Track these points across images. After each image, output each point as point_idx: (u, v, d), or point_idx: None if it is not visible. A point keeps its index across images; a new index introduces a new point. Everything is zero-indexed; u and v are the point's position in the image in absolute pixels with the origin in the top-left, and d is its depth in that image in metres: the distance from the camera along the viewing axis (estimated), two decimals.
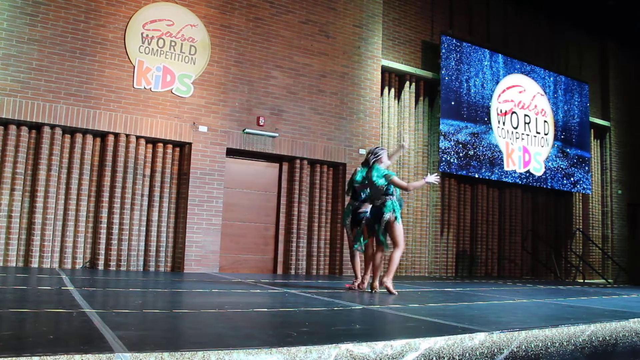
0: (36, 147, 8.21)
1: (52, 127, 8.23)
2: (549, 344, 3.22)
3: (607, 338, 3.55)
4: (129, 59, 8.77)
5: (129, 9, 8.86)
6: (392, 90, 11.88)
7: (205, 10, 9.44)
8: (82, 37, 8.47)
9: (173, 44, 9.10)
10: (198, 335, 2.89)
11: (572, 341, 3.34)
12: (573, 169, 14.38)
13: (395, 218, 6.01)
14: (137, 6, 8.92)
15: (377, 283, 6.14)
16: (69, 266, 8.22)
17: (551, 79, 14.27)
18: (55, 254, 8.20)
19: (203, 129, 9.17)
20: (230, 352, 2.30)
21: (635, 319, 3.92)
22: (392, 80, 11.93)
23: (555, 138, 14.11)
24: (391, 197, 6.08)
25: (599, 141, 16.00)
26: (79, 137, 8.47)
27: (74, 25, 8.42)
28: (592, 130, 15.49)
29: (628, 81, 16.42)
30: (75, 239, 8.34)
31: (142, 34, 8.89)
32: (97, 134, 8.61)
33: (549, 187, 13.84)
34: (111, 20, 8.72)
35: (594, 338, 3.46)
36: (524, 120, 13.46)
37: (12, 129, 8.06)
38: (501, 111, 13.00)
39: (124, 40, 8.76)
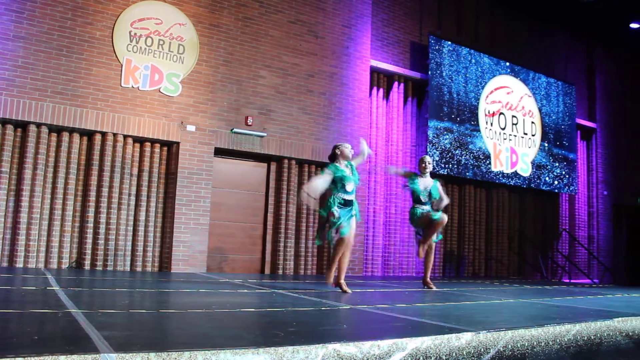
0: (22, 146, 8.14)
1: (38, 125, 8.16)
2: (535, 343, 3.24)
3: (592, 337, 3.58)
4: (116, 57, 8.72)
5: (117, 7, 8.81)
6: (381, 90, 11.90)
7: (194, 9, 9.41)
8: (69, 34, 8.41)
9: (161, 42, 9.06)
10: (185, 336, 2.88)
11: (558, 340, 3.36)
12: (560, 170, 14.48)
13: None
14: (125, 4, 8.87)
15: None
16: (54, 266, 8.16)
17: (538, 80, 14.36)
18: (41, 254, 8.13)
19: (191, 128, 9.14)
20: (217, 352, 2.30)
21: (620, 319, 3.95)
22: (381, 80, 11.96)
23: (542, 139, 14.21)
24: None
25: (585, 142, 16.12)
26: (65, 136, 8.41)
27: (61, 23, 8.36)
28: (578, 131, 15.61)
29: (614, 83, 16.55)
30: (61, 239, 8.28)
31: (130, 32, 8.84)
32: (84, 132, 8.55)
33: (535, 187, 13.93)
34: (99, 18, 8.66)
35: (579, 337, 3.49)
36: (511, 121, 13.54)
37: None
38: (489, 112, 13.07)
39: (112, 38, 8.71)
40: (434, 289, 7.34)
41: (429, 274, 7.54)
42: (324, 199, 6.46)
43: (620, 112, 16.56)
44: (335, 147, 6.49)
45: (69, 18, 8.44)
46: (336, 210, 6.16)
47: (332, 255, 6.37)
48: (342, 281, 6.27)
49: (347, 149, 6.45)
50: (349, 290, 6.17)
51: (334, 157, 6.46)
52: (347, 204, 6.27)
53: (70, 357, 2.06)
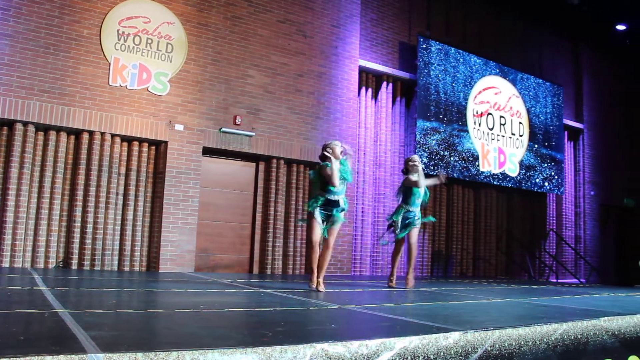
0: (8, 144, 8.06)
1: (25, 124, 8.10)
2: (522, 342, 3.26)
3: (579, 336, 3.60)
4: (104, 56, 8.67)
5: (105, 5, 8.76)
6: (369, 90, 11.92)
7: (183, 7, 9.37)
8: (56, 32, 8.35)
9: (149, 41, 9.01)
10: (173, 335, 2.86)
11: (545, 340, 3.38)
12: (547, 170, 14.57)
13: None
14: (113, 2, 8.82)
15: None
16: (41, 266, 8.10)
17: (526, 81, 14.45)
18: (27, 253, 8.06)
19: (179, 127, 9.10)
20: (205, 352, 2.29)
21: (606, 318, 3.98)
22: (370, 80, 11.97)
23: (530, 139, 14.29)
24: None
25: (572, 143, 16.23)
26: (52, 135, 8.35)
27: (48, 21, 8.30)
28: (566, 132, 15.72)
29: (601, 84, 16.69)
30: (48, 238, 8.22)
31: (118, 30, 8.79)
32: (71, 131, 8.49)
33: (523, 187, 14.00)
34: (86, 17, 8.60)
35: (565, 337, 3.51)
36: (499, 121, 13.61)
37: None
38: (477, 112, 13.12)
39: (100, 36, 8.66)
40: (409, 287, 7.32)
41: (411, 270, 7.53)
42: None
43: (607, 112, 16.70)
44: (325, 146, 6.36)
45: (56, 16, 8.37)
46: (317, 212, 6.17)
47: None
48: (320, 279, 6.25)
49: (337, 146, 6.36)
50: (322, 289, 6.15)
51: (324, 158, 6.29)
52: (331, 204, 6.24)
53: (56, 357, 2.04)
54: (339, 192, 6.25)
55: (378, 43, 12.10)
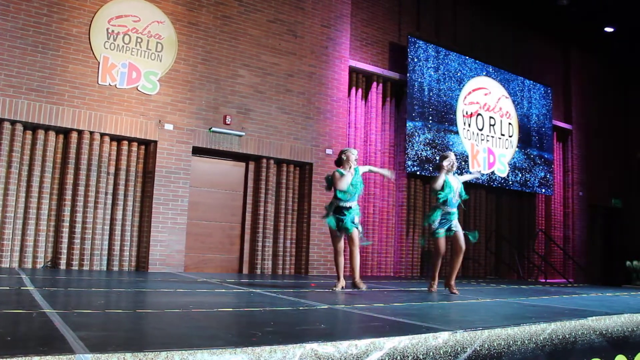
0: None
1: (13, 122, 8.04)
2: (511, 342, 3.27)
3: (567, 336, 3.62)
4: (93, 54, 8.62)
5: (94, 4, 8.71)
6: (360, 90, 11.92)
7: (173, 7, 9.34)
8: (45, 31, 8.29)
9: (139, 40, 8.97)
10: (162, 336, 2.85)
11: (533, 339, 3.40)
12: (536, 170, 14.65)
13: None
14: (103, 1, 8.78)
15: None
16: (29, 266, 8.04)
17: (516, 82, 14.51)
18: (15, 253, 8.01)
19: (169, 127, 9.07)
20: (195, 352, 2.28)
21: (594, 317, 4.01)
22: (360, 80, 11.98)
23: (519, 140, 14.36)
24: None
25: (561, 144, 16.32)
26: (40, 134, 8.30)
27: (37, 19, 8.24)
28: (554, 133, 15.81)
29: (590, 85, 16.80)
30: (36, 238, 8.16)
31: (107, 29, 8.75)
32: (60, 130, 8.44)
33: (512, 188, 14.07)
34: (75, 15, 8.55)
35: (554, 336, 3.53)
36: (489, 122, 13.66)
37: None
38: (467, 113, 13.16)
39: (89, 35, 8.61)
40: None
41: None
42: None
43: (595, 113, 16.82)
44: (342, 152, 6.53)
45: (45, 14, 8.32)
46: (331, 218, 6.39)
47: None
48: (356, 279, 6.59)
49: (353, 155, 6.48)
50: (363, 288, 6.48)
51: (339, 162, 6.49)
52: (343, 210, 6.37)
53: (44, 357, 2.03)
54: (351, 199, 6.39)
55: (368, 43, 12.11)
